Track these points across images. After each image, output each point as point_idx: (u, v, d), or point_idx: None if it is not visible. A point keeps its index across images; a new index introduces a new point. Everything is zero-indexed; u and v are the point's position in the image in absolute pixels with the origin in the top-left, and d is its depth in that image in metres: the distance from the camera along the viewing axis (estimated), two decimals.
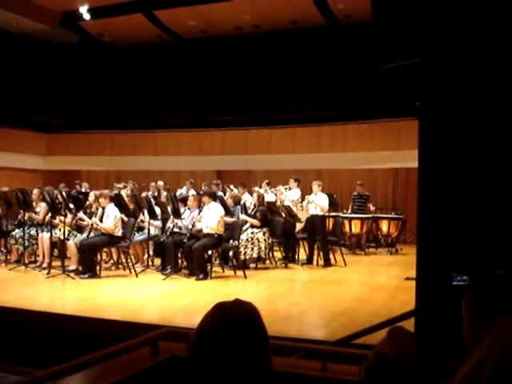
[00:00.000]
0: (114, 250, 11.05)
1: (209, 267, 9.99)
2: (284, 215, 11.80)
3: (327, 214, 11.92)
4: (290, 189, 12.95)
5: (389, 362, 1.53)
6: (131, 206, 11.28)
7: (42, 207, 10.98)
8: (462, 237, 3.50)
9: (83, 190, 15.55)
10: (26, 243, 10.79)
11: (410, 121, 13.27)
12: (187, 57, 19.35)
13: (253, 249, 10.71)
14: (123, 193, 12.08)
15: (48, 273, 9.85)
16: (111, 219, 10.01)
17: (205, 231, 9.98)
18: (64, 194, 11.01)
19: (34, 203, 11.11)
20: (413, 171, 12.28)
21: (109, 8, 17.29)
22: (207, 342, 1.47)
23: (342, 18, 17.11)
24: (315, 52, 17.61)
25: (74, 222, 10.80)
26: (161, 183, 15.24)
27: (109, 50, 20.21)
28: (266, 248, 10.98)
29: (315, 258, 11.65)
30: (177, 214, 10.40)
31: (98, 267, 9.93)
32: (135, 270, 10.15)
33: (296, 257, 12.03)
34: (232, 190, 13.74)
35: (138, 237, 11.12)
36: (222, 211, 10.18)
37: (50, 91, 19.65)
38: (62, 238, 10.48)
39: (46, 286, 9.18)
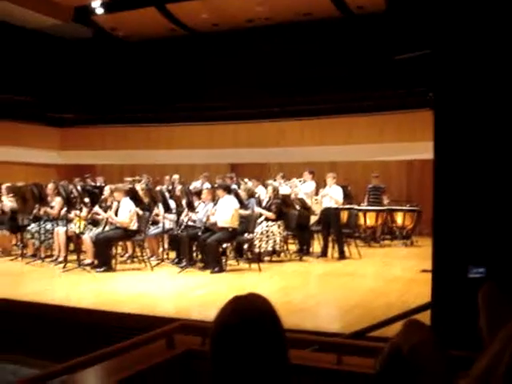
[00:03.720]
0: (129, 244, 11.10)
1: (223, 260, 10.01)
2: (298, 208, 11.78)
3: (342, 207, 11.89)
4: (304, 181, 12.92)
5: (404, 355, 1.52)
6: (146, 200, 11.32)
7: (57, 202, 11.03)
8: (479, 229, 3.47)
9: (98, 184, 15.62)
10: (42, 237, 10.86)
11: (424, 112, 13.17)
12: (200, 50, 19.36)
13: (267, 242, 10.71)
14: (138, 186, 12.11)
15: (64, 267, 9.91)
16: (126, 213, 10.05)
17: (219, 225, 9.99)
18: (79, 188, 11.06)
19: (49, 198, 11.17)
20: (428, 163, 12.19)
21: (121, 2, 17.34)
22: (229, 336, 1.48)
23: (355, 9, 17.02)
24: (328, 44, 17.55)
25: (89, 216, 10.84)
26: (176, 177, 15.25)
27: (122, 44, 20.26)
28: (280, 241, 10.97)
29: (330, 250, 11.63)
30: (191, 208, 10.41)
31: (113, 261, 9.98)
32: (150, 264, 10.19)
33: (311, 249, 12.02)
34: (246, 183, 13.74)
35: (153, 230, 11.15)
36: (236, 204, 10.17)
37: (63, 86, 19.73)
38: (77, 232, 10.54)
39: (62, 279, 9.23)
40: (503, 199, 3.42)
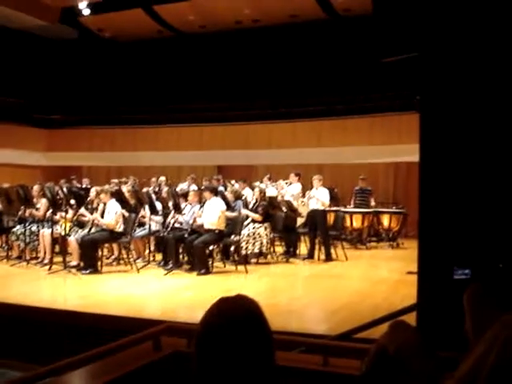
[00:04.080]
0: (115, 246, 11.04)
1: (210, 262, 9.99)
2: (285, 210, 11.79)
3: (328, 209, 11.91)
4: (290, 183, 12.93)
5: (390, 356, 1.53)
6: (132, 202, 11.27)
7: (42, 203, 10.96)
8: (464, 231, 3.49)
9: (84, 185, 15.56)
10: (27, 239, 10.78)
11: (410, 114, 13.25)
12: (187, 52, 19.34)
13: (254, 244, 10.71)
14: (124, 188, 12.07)
15: (49, 269, 9.84)
16: (112, 215, 10.01)
17: (206, 227, 9.97)
18: (65, 189, 11.00)
19: (34, 199, 11.10)
20: (414, 165, 12.25)
21: (108, 3, 17.28)
22: (214, 337, 1.47)
23: (341, 11, 17.08)
24: (315, 46, 17.60)
25: (75, 217, 10.79)
26: (162, 178, 15.23)
27: (109, 45, 20.20)
28: (267, 243, 10.98)
29: (316, 252, 11.63)
30: (178, 210, 10.39)
31: (99, 263, 9.93)
32: (136, 266, 10.15)
33: (297, 251, 12.03)
34: (233, 184, 13.73)
35: (139, 232, 11.11)
36: (223, 206, 10.16)
37: (50, 87, 19.64)
38: (63, 233, 10.47)
39: (47, 282, 9.17)
40: (488, 201, 3.44)
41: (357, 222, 13.93)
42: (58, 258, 10.37)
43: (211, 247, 10.29)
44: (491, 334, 1.31)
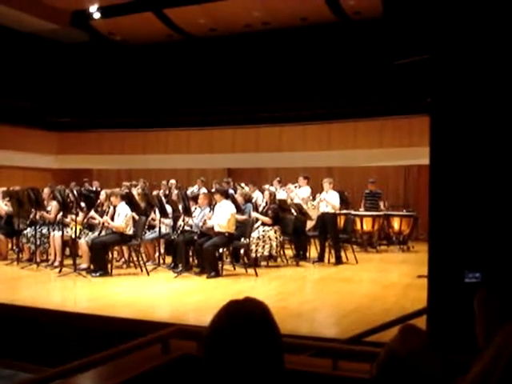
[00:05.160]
0: (125, 249, 11.06)
1: (220, 265, 9.99)
2: (295, 213, 11.77)
3: (338, 212, 11.88)
4: (299, 187, 12.91)
5: (401, 360, 1.52)
6: (142, 205, 11.30)
7: (53, 206, 11.02)
8: (474, 234, 3.47)
9: (94, 188, 15.63)
10: (38, 242, 10.82)
11: (421, 117, 13.19)
12: (197, 55, 19.38)
13: (264, 247, 10.70)
14: (134, 191, 12.10)
15: (60, 271, 9.88)
16: (122, 218, 10.03)
17: (216, 229, 9.97)
18: (75, 192, 11.04)
19: (45, 202, 11.14)
20: (424, 168, 12.20)
21: (119, 7, 17.35)
22: (223, 340, 1.46)
23: (351, 14, 17.06)
24: (325, 49, 17.59)
25: (85, 220, 10.82)
26: (173, 181, 15.27)
27: (119, 48, 20.27)
28: (277, 246, 10.96)
29: (326, 255, 11.61)
30: (188, 212, 10.40)
31: (109, 265, 9.94)
32: (146, 269, 10.16)
33: (307, 255, 12.02)
34: (243, 187, 13.73)
35: (149, 235, 11.14)
36: (233, 209, 10.16)
37: (60, 90, 19.73)
38: (73, 236, 10.50)
39: (57, 284, 9.21)
40: (498, 204, 3.42)
41: (367, 225, 13.88)
42: (68, 261, 10.41)
43: (221, 250, 10.29)
44: (501, 338, 1.30)
